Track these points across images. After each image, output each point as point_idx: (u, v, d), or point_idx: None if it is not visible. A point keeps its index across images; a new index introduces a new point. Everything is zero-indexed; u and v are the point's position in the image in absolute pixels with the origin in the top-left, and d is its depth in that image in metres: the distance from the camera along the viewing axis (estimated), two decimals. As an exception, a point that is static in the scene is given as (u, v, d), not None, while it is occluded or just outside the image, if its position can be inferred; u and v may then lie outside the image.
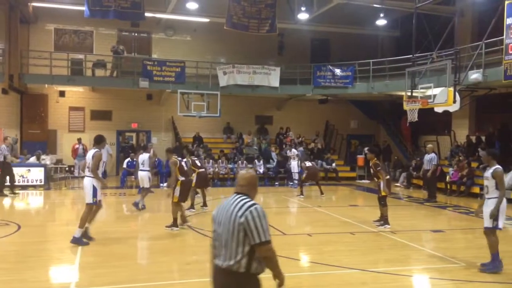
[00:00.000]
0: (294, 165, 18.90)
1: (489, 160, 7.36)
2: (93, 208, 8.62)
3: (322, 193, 15.78)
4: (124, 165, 18.13)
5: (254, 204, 3.45)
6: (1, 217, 11.16)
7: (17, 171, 16.01)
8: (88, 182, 8.49)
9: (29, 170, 16.94)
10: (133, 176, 17.45)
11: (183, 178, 9.97)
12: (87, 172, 8.55)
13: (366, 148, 22.66)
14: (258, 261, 3.45)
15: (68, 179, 18.92)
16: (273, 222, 10.98)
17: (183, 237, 9.43)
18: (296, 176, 18.59)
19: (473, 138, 18.88)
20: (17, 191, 15.45)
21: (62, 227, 10.79)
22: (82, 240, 8.41)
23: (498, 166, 7.16)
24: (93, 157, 8.42)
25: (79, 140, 20.59)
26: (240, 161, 20.34)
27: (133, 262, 7.77)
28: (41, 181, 16.87)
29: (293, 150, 19.75)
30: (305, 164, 16.30)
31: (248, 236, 3.37)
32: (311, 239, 9.51)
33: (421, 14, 16.26)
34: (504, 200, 7.10)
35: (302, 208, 14.06)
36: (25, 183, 16.74)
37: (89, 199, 8.48)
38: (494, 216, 7.00)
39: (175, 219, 9.81)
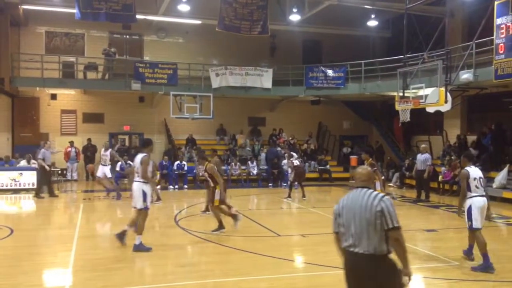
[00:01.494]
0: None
1: (465, 163, 7.58)
2: (147, 213, 8.51)
3: (304, 195, 15.43)
4: (117, 168, 18.04)
5: (384, 195, 3.96)
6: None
7: (9, 175, 15.88)
8: (138, 187, 8.36)
9: (21, 173, 16.84)
10: (125, 179, 17.34)
11: (221, 181, 10.03)
12: (136, 177, 8.43)
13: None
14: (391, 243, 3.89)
15: (61, 183, 18.79)
16: (266, 223, 11.03)
17: (177, 240, 9.41)
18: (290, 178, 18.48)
19: (468, 138, 18.97)
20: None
21: (55, 230, 10.75)
22: (143, 246, 8.27)
23: (466, 168, 7.37)
24: (141, 162, 8.31)
25: (71, 143, 20.49)
26: (233, 163, 20.33)
27: (127, 265, 7.73)
28: (33, 185, 16.72)
29: (293, 153, 19.52)
30: (293, 163, 15.67)
31: (382, 222, 3.83)
32: (305, 240, 9.52)
33: (411, 15, 16.34)
34: (483, 200, 7.25)
35: (296, 209, 14.08)
36: (17, 187, 16.66)
37: (140, 204, 8.34)
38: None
39: (220, 221, 9.75)
